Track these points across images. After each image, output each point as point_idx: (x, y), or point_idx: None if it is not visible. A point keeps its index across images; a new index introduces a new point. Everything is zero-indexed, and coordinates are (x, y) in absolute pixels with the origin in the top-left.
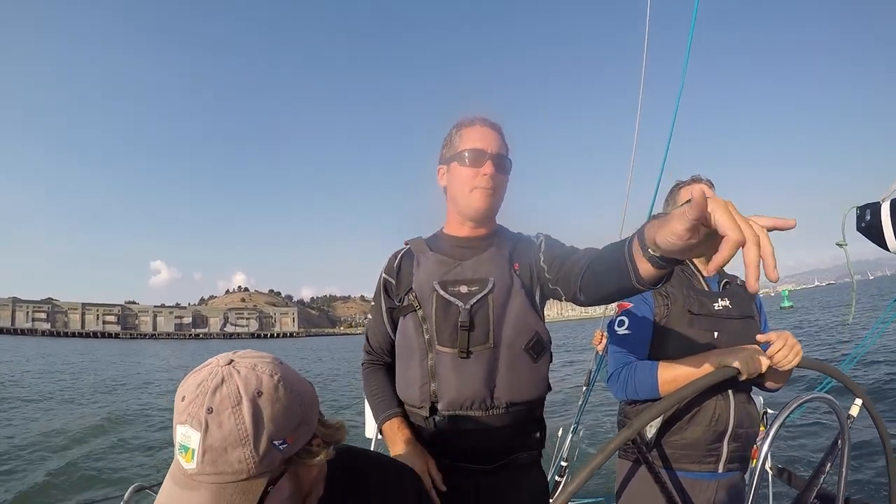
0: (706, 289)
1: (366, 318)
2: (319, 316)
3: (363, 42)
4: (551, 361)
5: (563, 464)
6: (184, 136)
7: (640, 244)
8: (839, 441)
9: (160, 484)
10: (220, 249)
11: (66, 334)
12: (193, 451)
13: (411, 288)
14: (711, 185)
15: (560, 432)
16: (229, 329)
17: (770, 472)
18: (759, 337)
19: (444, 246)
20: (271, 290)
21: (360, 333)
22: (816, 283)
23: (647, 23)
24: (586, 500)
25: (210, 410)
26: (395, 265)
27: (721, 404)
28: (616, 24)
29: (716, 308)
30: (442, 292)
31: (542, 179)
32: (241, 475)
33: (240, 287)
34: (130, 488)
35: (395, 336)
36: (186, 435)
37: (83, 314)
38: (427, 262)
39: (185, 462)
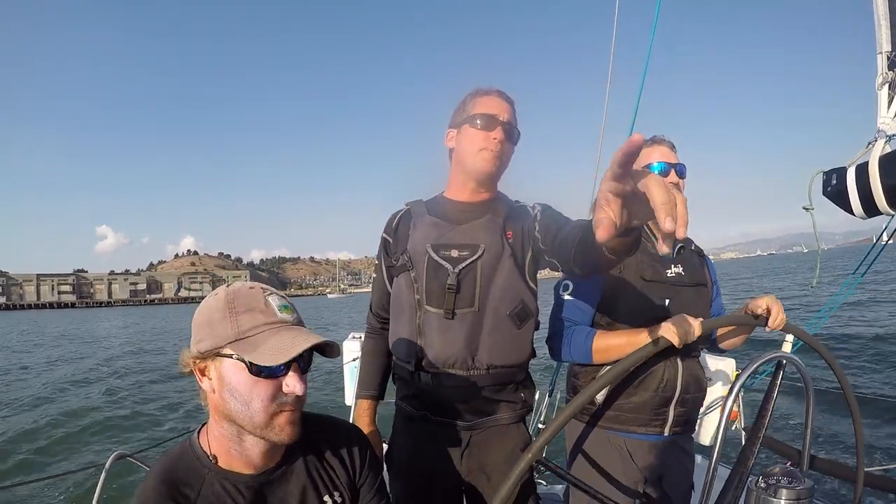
0: (660, 254)
1: (315, 279)
2: (269, 278)
3: None
4: (537, 329)
5: (541, 426)
6: (125, 84)
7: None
8: (807, 402)
9: (141, 452)
10: (167, 211)
11: (22, 307)
12: (292, 307)
13: (406, 248)
14: (672, 147)
15: (537, 395)
16: (183, 294)
17: (744, 433)
18: (752, 304)
19: (443, 209)
20: (221, 253)
21: (310, 295)
22: (759, 253)
23: None
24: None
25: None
26: (393, 225)
27: (669, 370)
28: None
29: (668, 275)
30: (433, 255)
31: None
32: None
33: (189, 251)
34: (112, 456)
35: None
36: (283, 301)
37: (38, 286)
38: (423, 225)
39: (290, 315)
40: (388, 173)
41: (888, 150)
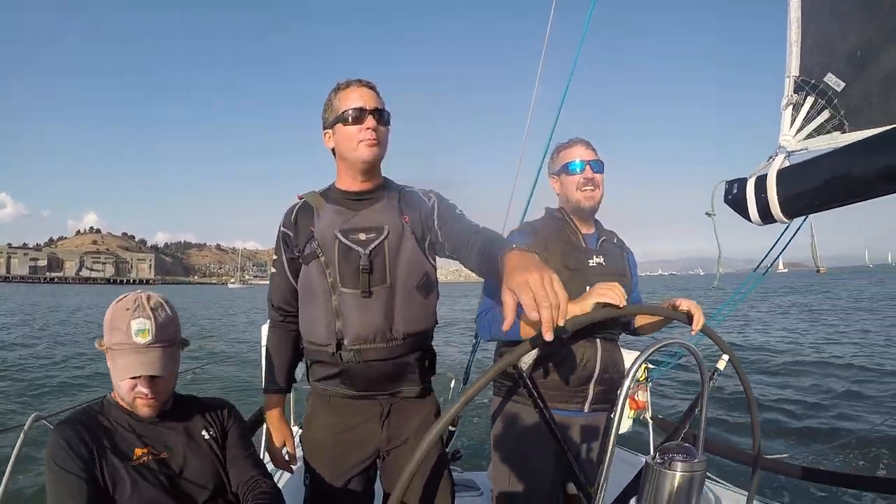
0: (583, 245)
1: (220, 268)
2: (174, 263)
3: None
4: (438, 298)
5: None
6: (24, 31)
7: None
8: (707, 390)
9: (57, 414)
10: (71, 183)
11: None
12: (149, 330)
13: (312, 237)
14: (589, 146)
15: (452, 384)
16: (85, 273)
17: (651, 422)
18: (676, 302)
19: (338, 199)
20: (125, 234)
21: (214, 283)
22: (660, 272)
23: None
24: None
25: (153, 309)
26: (291, 219)
27: (589, 351)
28: None
29: (590, 264)
30: (343, 239)
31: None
32: (176, 339)
33: (92, 228)
34: (30, 418)
35: (297, 283)
36: (142, 324)
37: None
38: (326, 214)
39: (143, 338)
40: (302, 164)
41: (786, 164)
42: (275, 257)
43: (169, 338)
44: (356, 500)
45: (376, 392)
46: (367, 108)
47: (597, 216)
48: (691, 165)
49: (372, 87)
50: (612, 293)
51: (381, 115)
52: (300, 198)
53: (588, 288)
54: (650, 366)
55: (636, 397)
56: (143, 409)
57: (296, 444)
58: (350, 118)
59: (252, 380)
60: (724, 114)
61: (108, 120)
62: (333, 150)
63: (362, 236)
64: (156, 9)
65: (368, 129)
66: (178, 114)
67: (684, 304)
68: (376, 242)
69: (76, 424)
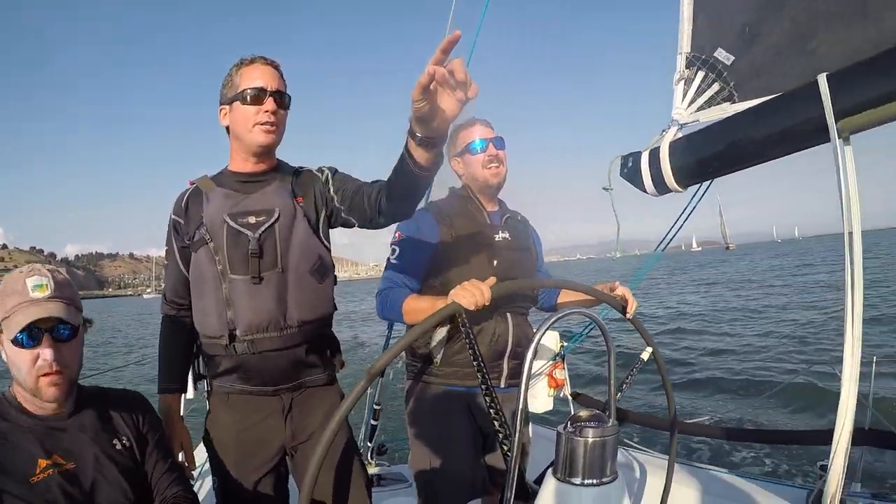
0: (488, 222)
1: (135, 278)
2: (86, 276)
3: None
4: (335, 283)
5: (377, 407)
6: None
7: (409, 135)
8: (614, 359)
9: None
10: None
11: None
12: (48, 285)
13: (202, 223)
14: (487, 124)
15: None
16: None
17: (571, 399)
18: (612, 286)
19: (230, 182)
20: (33, 248)
21: (130, 295)
22: (578, 256)
23: None
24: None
25: (49, 271)
26: (182, 205)
27: (500, 325)
28: None
29: (496, 239)
30: (232, 223)
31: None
32: (77, 302)
33: None
34: None
35: (189, 274)
36: (39, 280)
37: None
38: (215, 198)
39: (42, 293)
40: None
41: (679, 136)
42: (166, 248)
43: (70, 297)
44: (268, 501)
45: (275, 386)
46: (269, 88)
47: (501, 197)
48: (604, 149)
49: (276, 67)
50: (465, 293)
51: (281, 98)
52: (191, 183)
53: (495, 262)
54: (564, 343)
55: (554, 375)
56: (49, 389)
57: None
58: (249, 97)
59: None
60: (631, 96)
61: (10, 130)
62: (228, 128)
63: (252, 220)
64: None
65: (267, 111)
66: (79, 113)
67: (620, 290)
68: (266, 225)
69: None
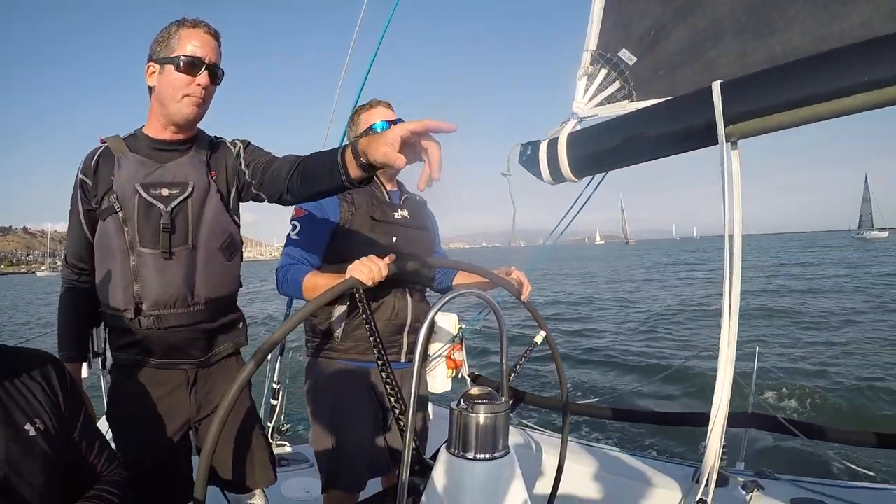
0: (388, 200)
1: (29, 254)
2: None
3: None
4: (242, 260)
5: (276, 386)
6: None
7: (354, 154)
8: (506, 338)
9: None
10: None
11: None
12: None
13: (111, 189)
14: (389, 106)
15: (269, 357)
16: None
17: (469, 380)
18: (505, 270)
19: (144, 147)
20: None
21: (23, 272)
22: (484, 244)
23: None
24: None
25: None
26: (91, 165)
27: (400, 301)
28: None
29: (396, 216)
30: (144, 194)
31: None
32: None
33: None
34: None
35: (94, 239)
36: None
37: None
38: (128, 164)
39: None
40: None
41: (577, 129)
42: (70, 208)
43: None
44: (172, 477)
45: (179, 359)
46: (206, 60)
47: (400, 179)
48: (506, 139)
49: (217, 38)
50: (363, 268)
51: (215, 73)
52: (102, 141)
53: (395, 239)
54: (462, 325)
55: (452, 356)
56: None
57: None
58: (183, 65)
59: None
60: (532, 85)
61: None
62: (151, 88)
63: (165, 192)
64: None
65: (199, 85)
66: None
67: (515, 274)
68: (179, 199)
69: None
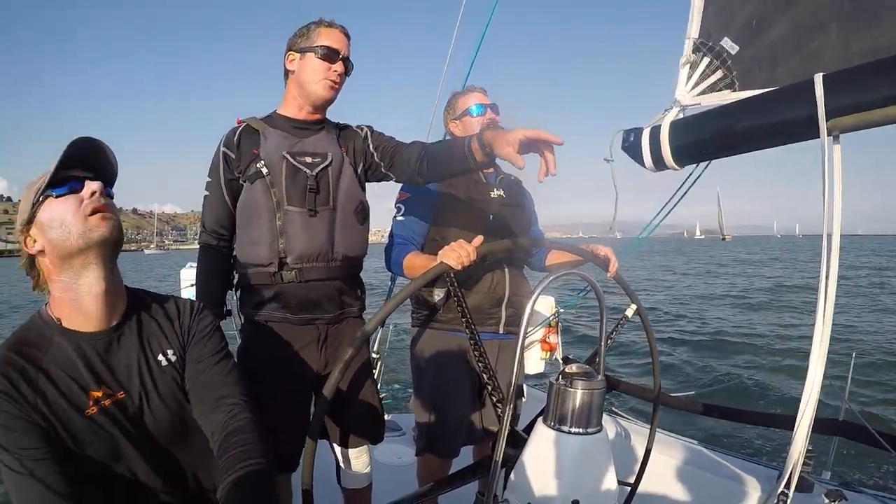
0: (484, 180)
1: (138, 234)
2: None
3: None
4: (369, 228)
5: (374, 355)
6: None
7: (479, 145)
8: (606, 321)
9: None
10: None
11: None
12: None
13: (255, 157)
14: (484, 92)
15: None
16: (0, 246)
17: (562, 363)
18: (595, 246)
19: (283, 125)
20: None
21: (133, 250)
22: (581, 234)
23: None
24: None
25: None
26: (234, 140)
27: (498, 275)
28: None
29: (492, 195)
30: (291, 160)
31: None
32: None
33: (2, 196)
34: None
35: (233, 207)
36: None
37: None
38: (273, 136)
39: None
40: (223, 122)
41: (679, 117)
42: (209, 179)
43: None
44: (300, 429)
45: (314, 314)
46: (342, 53)
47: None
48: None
49: (349, 37)
50: (452, 253)
51: (347, 64)
52: (240, 122)
53: (491, 217)
54: (560, 310)
55: (548, 339)
56: (102, 224)
57: None
58: (322, 54)
59: None
60: (631, 78)
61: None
62: (289, 73)
63: (308, 159)
64: None
65: (335, 71)
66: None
67: (602, 250)
68: (321, 166)
69: (7, 368)
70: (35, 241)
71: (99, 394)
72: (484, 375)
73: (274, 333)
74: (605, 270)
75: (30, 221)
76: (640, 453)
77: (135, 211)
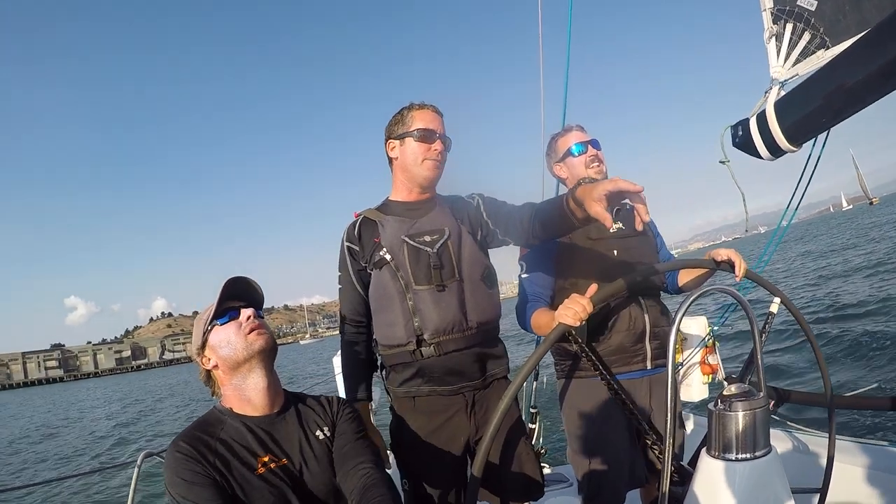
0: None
1: (292, 327)
2: None
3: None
4: (499, 291)
5: (533, 410)
6: (74, 158)
7: (576, 203)
8: (758, 331)
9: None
10: (134, 276)
11: (11, 386)
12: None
13: (378, 246)
14: (582, 129)
15: (525, 383)
16: (168, 356)
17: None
18: (714, 252)
19: (398, 209)
20: (195, 312)
21: (291, 342)
22: (723, 239)
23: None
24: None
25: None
26: (355, 233)
27: (635, 310)
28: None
29: (610, 231)
30: (411, 242)
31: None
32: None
33: (163, 313)
34: (141, 454)
35: (366, 295)
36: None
37: (24, 363)
38: (390, 224)
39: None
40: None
41: (782, 94)
42: (340, 273)
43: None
44: (458, 495)
45: (459, 383)
46: (438, 131)
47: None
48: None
49: (441, 115)
50: (568, 311)
51: (446, 141)
52: (357, 215)
53: (615, 252)
54: (715, 328)
55: (707, 361)
56: (258, 339)
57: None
58: (420, 136)
59: None
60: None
61: (162, 208)
62: (392, 160)
63: (427, 238)
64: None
65: (436, 150)
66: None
67: (722, 254)
68: (441, 242)
69: (191, 439)
70: (209, 360)
71: (266, 458)
72: (633, 421)
73: (422, 407)
74: (732, 271)
75: (203, 345)
76: (822, 465)
77: (286, 307)
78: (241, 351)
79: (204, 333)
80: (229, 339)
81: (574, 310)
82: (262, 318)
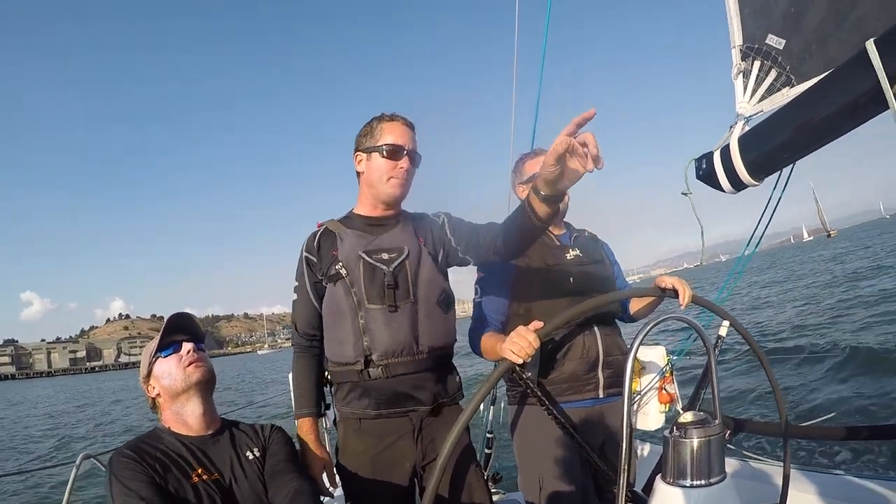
0: (558, 243)
1: (251, 336)
2: (206, 338)
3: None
4: (455, 315)
5: (489, 435)
6: (46, 147)
7: (534, 192)
8: (714, 359)
9: (106, 453)
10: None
11: None
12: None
13: (334, 259)
14: None
15: (481, 407)
16: (123, 359)
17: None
18: (658, 280)
19: (359, 224)
20: (153, 315)
21: (249, 352)
22: (685, 266)
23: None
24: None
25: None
26: (314, 244)
27: (588, 338)
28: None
29: (567, 258)
30: (368, 259)
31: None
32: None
33: (120, 315)
34: (80, 456)
35: (321, 307)
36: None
37: None
38: (349, 238)
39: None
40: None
41: (746, 129)
42: (296, 283)
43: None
44: None
45: (405, 407)
46: (406, 147)
47: (568, 220)
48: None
49: (412, 128)
50: (513, 346)
51: (414, 157)
52: (320, 225)
53: (571, 279)
54: (674, 358)
55: (665, 389)
56: (195, 371)
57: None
58: (387, 152)
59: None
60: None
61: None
62: (359, 173)
63: (385, 255)
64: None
65: (402, 168)
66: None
67: (667, 281)
68: (399, 261)
69: (132, 447)
70: (154, 388)
71: (200, 471)
72: (583, 453)
73: (368, 429)
74: (676, 298)
75: (149, 375)
76: (777, 493)
77: (245, 315)
78: (179, 382)
79: (149, 364)
80: (170, 371)
81: (520, 345)
82: (203, 350)
